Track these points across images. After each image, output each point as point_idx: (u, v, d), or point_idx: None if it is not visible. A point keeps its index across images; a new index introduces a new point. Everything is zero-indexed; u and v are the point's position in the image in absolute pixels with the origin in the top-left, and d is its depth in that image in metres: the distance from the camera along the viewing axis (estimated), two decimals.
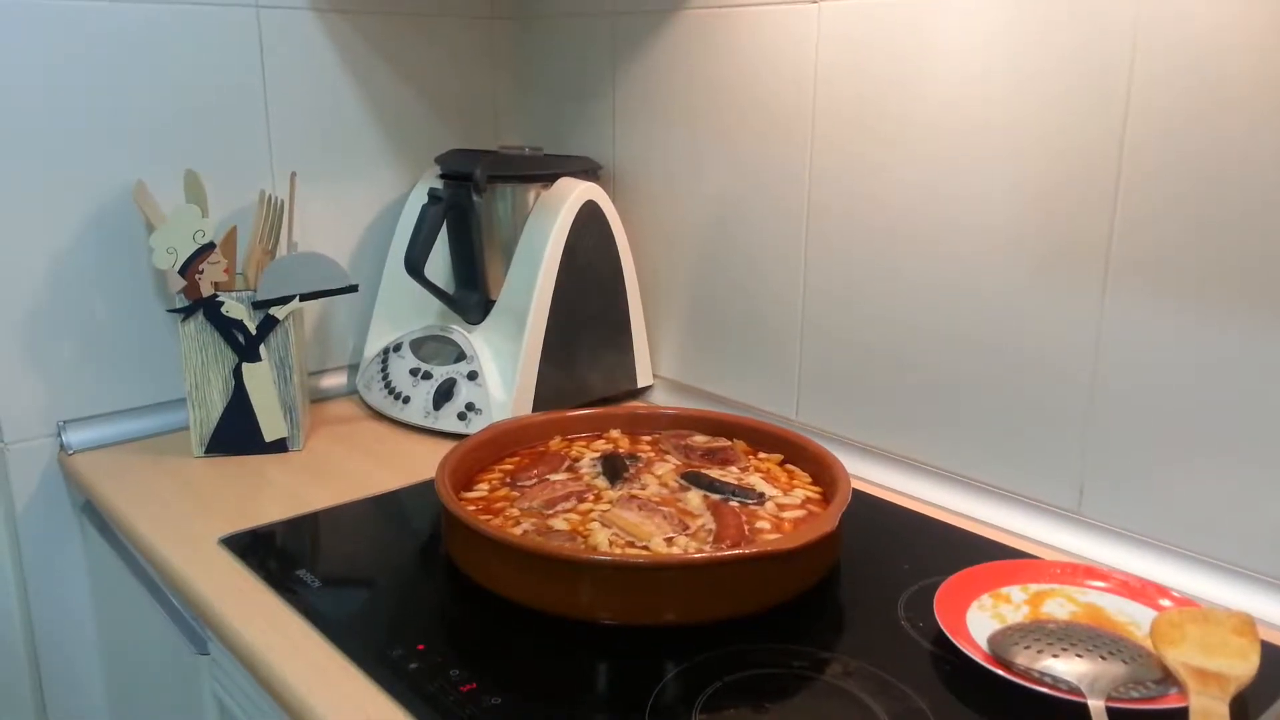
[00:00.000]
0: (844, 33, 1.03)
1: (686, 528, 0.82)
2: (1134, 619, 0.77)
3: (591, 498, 0.87)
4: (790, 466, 0.96)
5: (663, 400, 1.32)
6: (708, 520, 0.84)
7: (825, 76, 1.06)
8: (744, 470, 0.94)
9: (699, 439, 0.99)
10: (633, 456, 0.96)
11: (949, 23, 0.95)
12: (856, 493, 1.04)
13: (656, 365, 1.34)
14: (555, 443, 1.01)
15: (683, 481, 0.90)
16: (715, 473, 0.92)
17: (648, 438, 1.02)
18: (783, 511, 0.87)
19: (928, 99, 0.98)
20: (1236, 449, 0.83)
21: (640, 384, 1.32)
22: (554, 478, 0.92)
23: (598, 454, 0.97)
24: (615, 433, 1.02)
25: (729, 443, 0.99)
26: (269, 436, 1.13)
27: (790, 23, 1.08)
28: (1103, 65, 0.85)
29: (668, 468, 0.93)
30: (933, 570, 0.86)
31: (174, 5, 1.15)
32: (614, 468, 0.92)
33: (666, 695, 0.69)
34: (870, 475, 1.08)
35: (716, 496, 0.87)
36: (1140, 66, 0.83)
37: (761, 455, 0.98)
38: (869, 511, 1.00)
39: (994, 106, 0.93)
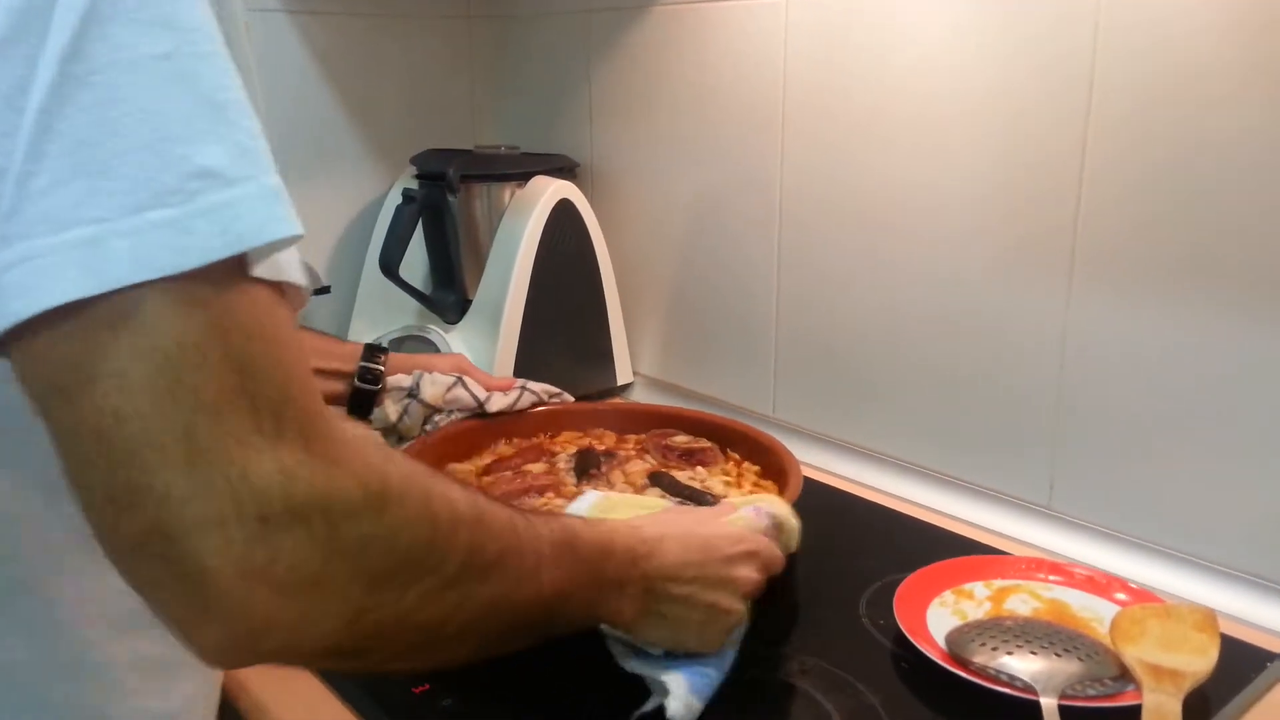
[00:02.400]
0: (811, 25, 1.03)
1: None
2: (1098, 614, 0.76)
3: (551, 493, 0.86)
4: (766, 483, 0.93)
5: (642, 398, 1.31)
6: None
7: (794, 69, 1.05)
8: (711, 472, 0.93)
9: (680, 439, 0.98)
10: (608, 454, 0.95)
11: (913, 13, 0.94)
12: (827, 489, 1.04)
13: (636, 363, 1.33)
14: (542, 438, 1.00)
15: (647, 481, 0.89)
16: (683, 475, 0.91)
17: (634, 436, 1.01)
18: None
19: (893, 89, 0.97)
20: (1205, 442, 0.82)
21: (620, 381, 1.31)
22: (531, 468, 0.92)
23: (574, 450, 0.96)
24: (600, 430, 1.01)
25: (710, 445, 0.98)
26: None
27: (758, 16, 1.07)
28: (1066, 48, 0.84)
29: (641, 466, 0.92)
30: (898, 567, 0.84)
31: None
32: (584, 464, 0.92)
33: (619, 695, 0.68)
34: (843, 471, 1.07)
35: (674, 499, 0.86)
36: (1103, 48, 0.82)
37: (745, 465, 0.96)
38: (839, 507, 0.99)
39: (959, 95, 0.92)
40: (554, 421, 1.03)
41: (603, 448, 0.97)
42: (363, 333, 1.31)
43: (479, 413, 0.99)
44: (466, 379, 1.00)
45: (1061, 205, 0.86)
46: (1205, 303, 0.80)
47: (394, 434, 0.99)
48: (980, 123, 0.91)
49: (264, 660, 0.43)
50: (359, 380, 0.98)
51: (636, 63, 1.23)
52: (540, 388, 1.04)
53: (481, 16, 1.42)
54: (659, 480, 0.88)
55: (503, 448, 0.99)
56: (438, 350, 1.21)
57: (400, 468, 0.45)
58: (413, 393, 0.97)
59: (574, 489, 0.87)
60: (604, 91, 1.29)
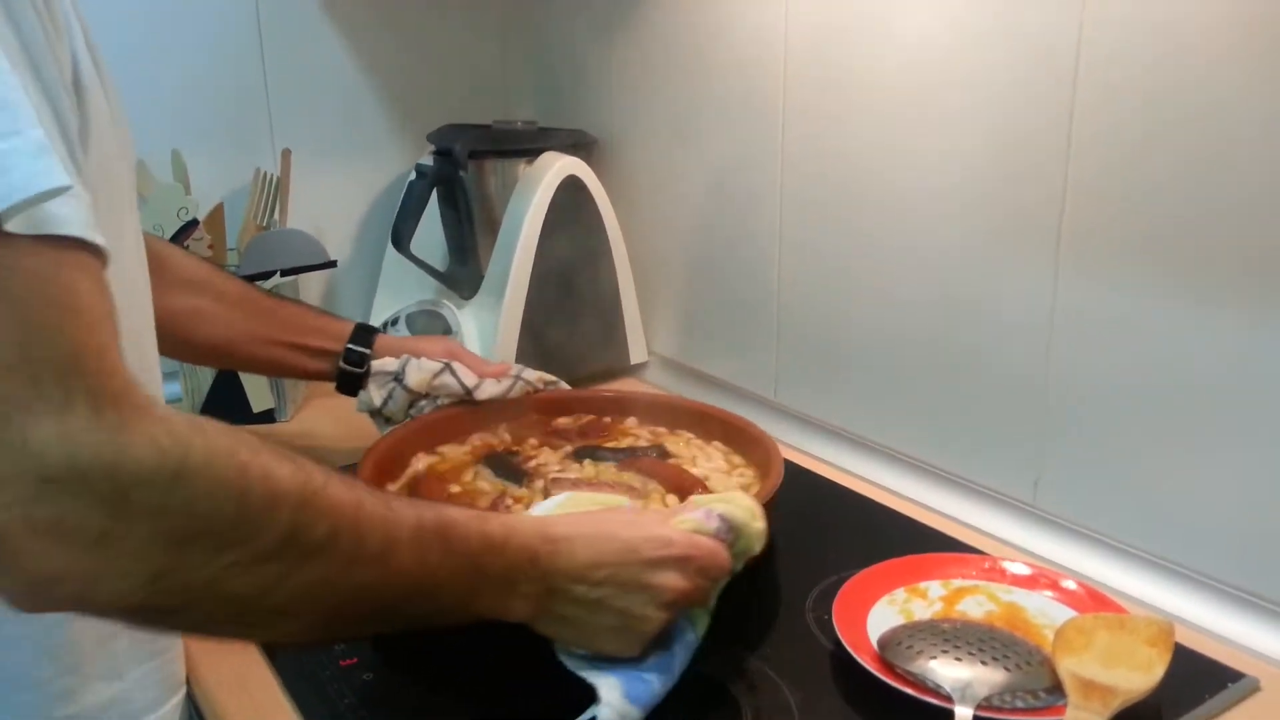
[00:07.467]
0: None
1: (635, 491, 0.82)
2: (1054, 622, 0.72)
3: (510, 501, 0.83)
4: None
5: (655, 378, 1.30)
6: (645, 483, 0.83)
7: (795, 40, 1.01)
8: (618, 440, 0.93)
9: (563, 420, 0.97)
10: (511, 452, 0.93)
11: None
12: (812, 476, 1.01)
13: (651, 342, 1.32)
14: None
15: (588, 461, 0.88)
16: (609, 444, 0.90)
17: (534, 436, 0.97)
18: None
19: (888, 61, 0.93)
20: (1202, 441, 0.76)
21: (634, 361, 1.30)
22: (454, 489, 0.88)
23: (478, 459, 0.92)
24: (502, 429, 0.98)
25: (592, 416, 0.97)
26: (256, 408, 1.16)
27: None
28: (1053, 17, 0.79)
29: (558, 455, 0.91)
30: (861, 561, 0.81)
31: None
32: (508, 468, 0.89)
33: (543, 680, 0.67)
34: (833, 458, 1.04)
35: (629, 459, 0.85)
36: (1090, 19, 0.77)
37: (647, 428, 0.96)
38: (820, 495, 0.97)
39: (950, 67, 0.87)
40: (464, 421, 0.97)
41: (502, 448, 0.94)
42: (386, 306, 1.33)
43: (467, 400, 0.97)
44: (455, 365, 0.96)
45: (1049, 178, 0.81)
46: (1202, 285, 0.74)
47: (380, 418, 0.97)
48: (968, 94, 0.86)
49: (65, 608, 0.44)
50: (344, 362, 0.96)
51: (652, 37, 1.21)
52: (535, 376, 1.00)
53: None
54: (595, 455, 0.87)
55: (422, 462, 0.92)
56: (449, 326, 1.22)
57: (212, 441, 0.46)
58: (398, 377, 0.95)
59: (523, 491, 0.85)
60: (624, 66, 1.27)
